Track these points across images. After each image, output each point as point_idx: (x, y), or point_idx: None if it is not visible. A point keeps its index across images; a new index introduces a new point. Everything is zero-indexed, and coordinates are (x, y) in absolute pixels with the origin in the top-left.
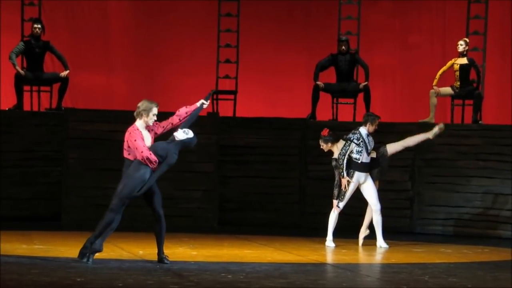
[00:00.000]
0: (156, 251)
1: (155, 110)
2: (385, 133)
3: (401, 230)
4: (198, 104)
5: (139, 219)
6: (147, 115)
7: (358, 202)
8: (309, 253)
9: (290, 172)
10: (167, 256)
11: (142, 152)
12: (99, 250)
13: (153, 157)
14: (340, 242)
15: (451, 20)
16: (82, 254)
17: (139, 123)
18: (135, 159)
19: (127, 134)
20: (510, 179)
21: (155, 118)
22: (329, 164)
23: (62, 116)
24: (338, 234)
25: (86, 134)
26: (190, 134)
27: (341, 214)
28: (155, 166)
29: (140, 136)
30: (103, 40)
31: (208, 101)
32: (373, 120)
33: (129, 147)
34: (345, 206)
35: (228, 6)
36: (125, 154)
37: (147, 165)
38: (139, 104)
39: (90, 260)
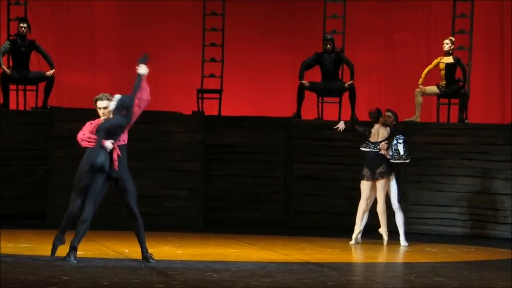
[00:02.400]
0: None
1: (99, 104)
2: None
3: (388, 229)
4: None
5: (124, 218)
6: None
7: (341, 201)
8: (294, 252)
9: (275, 171)
10: (152, 255)
11: (77, 136)
12: (62, 243)
13: (80, 137)
14: (326, 242)
15: (436, 19)
16: (53, 252)
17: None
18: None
19: None
20: (496, 179)
21: (102, 111)
22: (314, 163)
23: (48, 115)
24: (324, 233)
25: (72, 133)
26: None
27: (328, 213)
28: (89, 143)
29: (86, 126)
30: (89, 39)
31: (142, 66)
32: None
33: None
34: (331, 205)
35: (213, 5)
36: None
37: (86, 146)
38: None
39: (71, 258)
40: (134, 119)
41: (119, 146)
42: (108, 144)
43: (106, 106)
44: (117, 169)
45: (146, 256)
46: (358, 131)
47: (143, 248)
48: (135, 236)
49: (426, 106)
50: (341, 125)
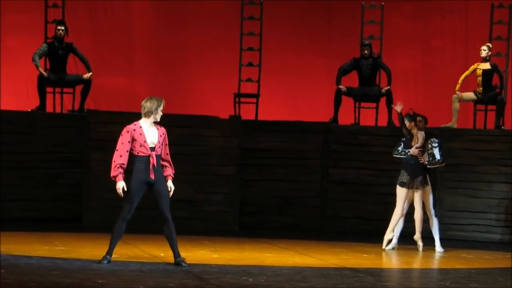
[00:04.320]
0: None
1: (163, 106)
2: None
3: (422, 235)
4: None
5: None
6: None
7: (376, 207)
8: (330, 257)
9: (311, 176)
10: (185, 259)
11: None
12: None
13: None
14: (360, 247)
15: (474, 25)
16: None
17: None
18: None
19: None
20: None
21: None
22: (350, 169)
23: (84, 118)
24: (360, 238)
25: (108, 136)
26: None
27: (361, 219)
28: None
29: (121, 140)
30: (126, 43)
31: None
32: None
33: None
34: (367, 211)
35: (251, 9)
36: None
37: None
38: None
39: None
40: None
41: (156, 156)
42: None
43: None
44: (153, 177)
45: (178, 261)
46: (403, 131)
47: (175, 253)
48: (166, 241)
49: (463, 112)
50: (398, 108)
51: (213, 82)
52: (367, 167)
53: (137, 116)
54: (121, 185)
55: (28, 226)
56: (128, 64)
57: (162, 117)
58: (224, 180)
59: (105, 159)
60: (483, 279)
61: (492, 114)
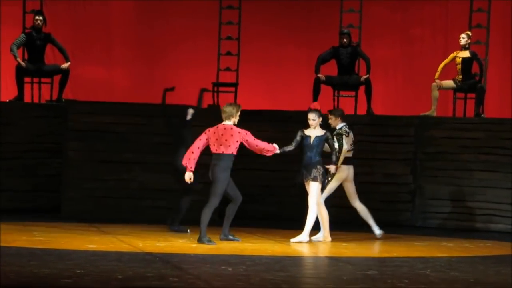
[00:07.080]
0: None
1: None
2: (387, 126)
3: (403, 223)
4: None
5: (139, 211)
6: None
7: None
8: (310, 246)
9: (291, 165)
10: None
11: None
12: None
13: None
14: (340, 236)
15: (453, 13)
16: None
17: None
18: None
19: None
20: (511, 173)
21: None
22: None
23: (63, 108)
24: (338, 227)
25: (87, 126)
26: None
27: (341, 207)
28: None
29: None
30: (104, 33)
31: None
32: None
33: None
34: (347, 200)
35: None
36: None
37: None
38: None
39: None
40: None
41: None
42: None
43: None
44: None
45: None
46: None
47: None
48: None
49: (443, 100)
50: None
51: (192, 72)
52: None
53: (115, 106)
54: None
55: (7, 217)
56: (106, 55)
57: (142, 107)
58: (204, 170)
59: (84, 149)
60: (463, 267)
61: (471, 102)
